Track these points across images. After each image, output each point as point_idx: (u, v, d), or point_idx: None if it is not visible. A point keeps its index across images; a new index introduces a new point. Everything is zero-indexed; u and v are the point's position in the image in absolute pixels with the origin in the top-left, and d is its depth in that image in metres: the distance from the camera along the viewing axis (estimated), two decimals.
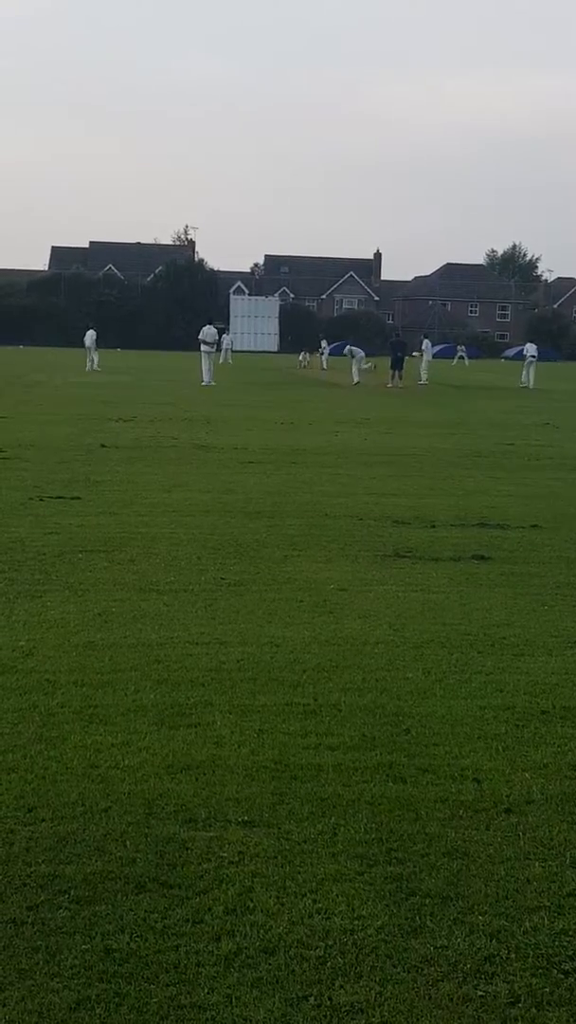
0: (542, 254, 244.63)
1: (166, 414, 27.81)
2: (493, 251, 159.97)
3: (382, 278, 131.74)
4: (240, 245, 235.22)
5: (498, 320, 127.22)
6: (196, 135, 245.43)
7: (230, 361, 65.85)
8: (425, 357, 51.70)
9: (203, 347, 44.38)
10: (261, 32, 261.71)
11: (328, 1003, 3.84)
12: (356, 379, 47.81)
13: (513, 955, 4.13)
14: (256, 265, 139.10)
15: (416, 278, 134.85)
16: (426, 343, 53.39)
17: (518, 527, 12.76)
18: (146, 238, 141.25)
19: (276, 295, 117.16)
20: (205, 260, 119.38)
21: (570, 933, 4.29)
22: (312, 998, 3.86)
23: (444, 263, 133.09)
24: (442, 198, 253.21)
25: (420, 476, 17.31)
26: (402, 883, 4.61)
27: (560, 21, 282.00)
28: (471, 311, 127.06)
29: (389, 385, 46.31)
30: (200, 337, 45.06)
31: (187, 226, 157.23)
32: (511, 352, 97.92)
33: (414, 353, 53.65)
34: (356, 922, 4.31)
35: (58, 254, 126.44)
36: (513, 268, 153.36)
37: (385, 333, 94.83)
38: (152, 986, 3.90)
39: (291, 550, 11.11)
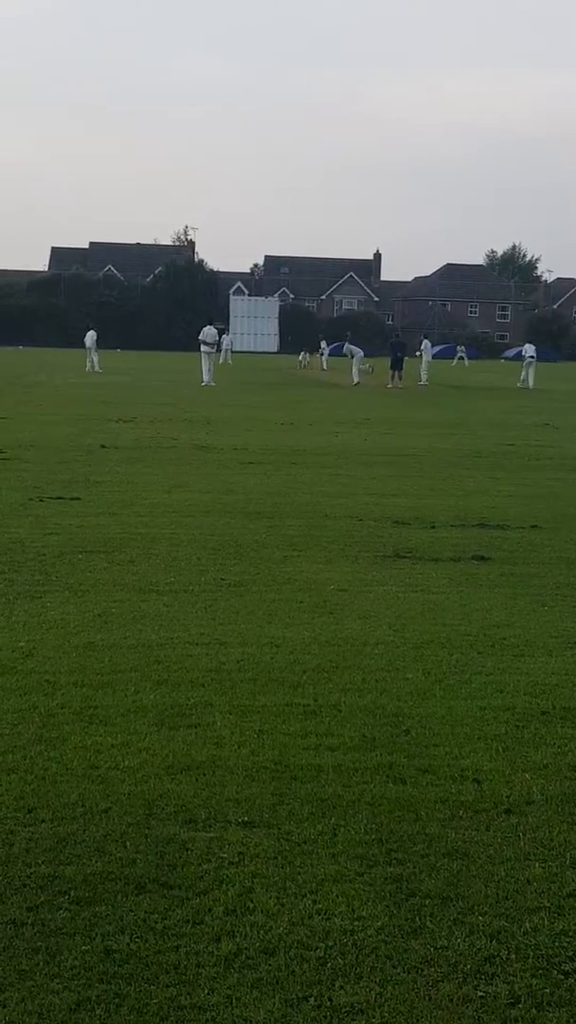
0: (542, 254, 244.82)
1: (166, 415, 27.81)
2: (493, 251, 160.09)
3: (382, 278, 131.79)
4: (240, 245, 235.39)
5: (498, 320, 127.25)
6: (196, 135, 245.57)
7: (230, 362, 65.87)
8: (425, 357, 51.73)
9: (203, 347, 44.43)
10: (261, 32, 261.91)
11: (328, 1004, 3.84)
12: (356, 379, 47.81)
13: (513, 956, 4.13)
14: (256, 265, 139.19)
15: (416, 278, 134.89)
16: (426, 343, 53.43)
17: (518, 527, 12.77)
18: (146, 238, 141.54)
19: (276, 295, 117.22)
20: (205, 260, 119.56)
21: (570, 934, 4.29)
22: (312, 999, 3.86)
23: (444, 263, 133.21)
24: (442, 198, 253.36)
25: (420, 476, 17.31)
26: (402, 884, 4.61)
27: (560, 21, 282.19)
28: (471, 311, 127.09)
29: (389, 386, 46.32)
30: (200, 337, 45.11)
31: (187, 226, 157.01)
32: (511, 352, 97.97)
33: (417, 353, 53.61)
34: (356, 923, 4.31)
35: (58, 254, 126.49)
36: (513, 268, 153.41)
37: (385, 333, 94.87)
38: (152, 987, 3.90)
39: (291, 551, 11.11)
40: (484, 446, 22.38)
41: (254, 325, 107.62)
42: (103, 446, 19.97)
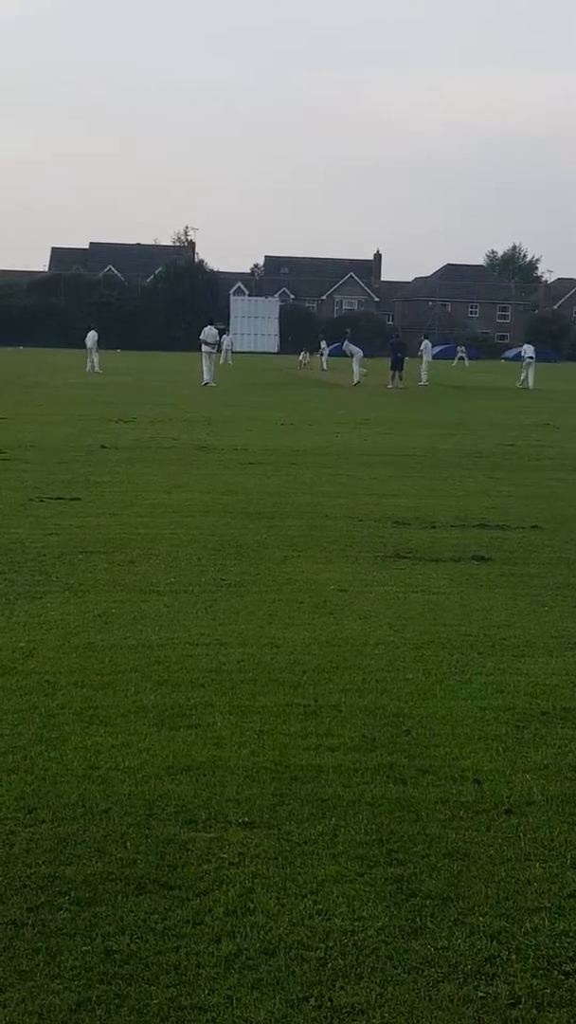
0: (542, 255, 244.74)
1: (166, 415, 27.81)
2: (493, 252, 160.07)
3: (382, 279, 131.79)
4: (240, 246, 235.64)
5: (498, 321, 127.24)
6: (196, 135, 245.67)
7: (230, 362, 65.89)
8: (425, 358, 51.73)
9: (204, 347, 44.46)
10: (261, 32, 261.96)
11: (329, 1004, 3.83)
12: (356, 379, 47.85)
13: (514, 956, 4.13)
14: (256, 266, 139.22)
15: (416, 279, 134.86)
16: (426, 344, 53.42)
17: (518, 528, 12.77)
18: (146, 239, 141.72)
19: (276, 296, 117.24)
20: (205, 261, 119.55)
21: (571, 934, 4.29)
22: (312, 999, 3.86)
23: (444, 264, 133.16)
24: (442, 198, 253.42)
25: (420, 477, 17.31)
26: (402, 884, 4.61)
27: (560, 21, 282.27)
28: (471, 312, 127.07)
29: (389, 386, 46.33)
30: (201, 337, 45.14)
31: (187, 227, 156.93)
32: (511, 353, 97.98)
33: (418, 353, 53.60)
34: (356, 923, 4.31)
35: (58, 255, 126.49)
36: (513, 269, 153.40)
37: (385, 334, 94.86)
38: (153, 987, 3.90)
39: (291, 551, 11.11)
40: (484, 446, 22.38)
41: (254, 325, 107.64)
42: (103, 446, 19.97)
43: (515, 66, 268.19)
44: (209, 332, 45.23)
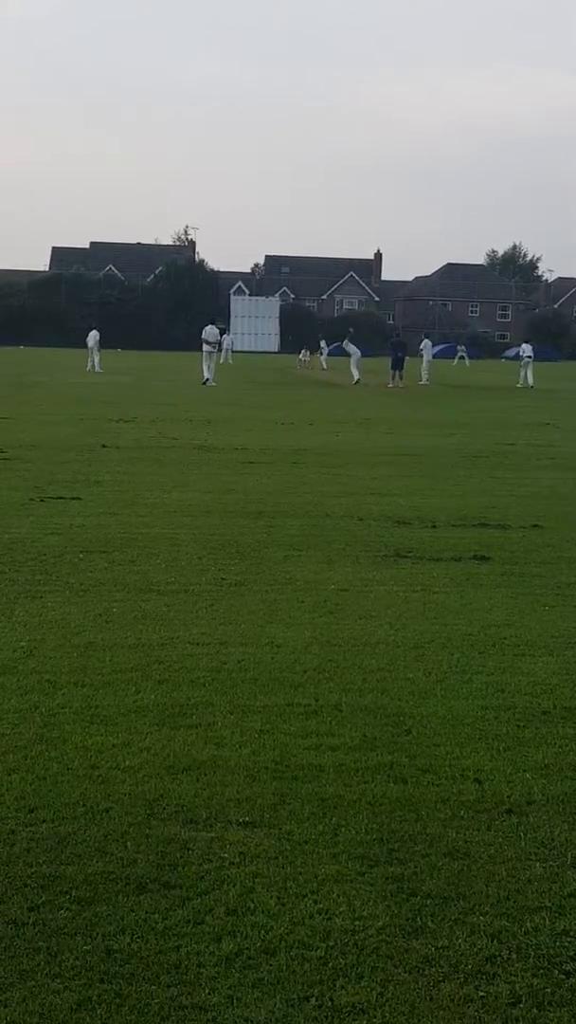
0: (543, 254, 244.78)
1: (167, 414, 27.81)
2: (494, 251, 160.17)
3: (382, 278, 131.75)
4: (240, 245, 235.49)
5: (499, 320, 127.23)
6: (196, 135, 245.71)
7: (230, 361, 65.92)
8: (425, 357, 51.73)
9: (205, 347, 44.50)
10: (261, 32, 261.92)
11: (329, 1004, 3.83)
12: (356, 377, 47.89)
13: (514, 956, 4.13)
14: (256, 265, 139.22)
15: (417, 278, 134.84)
16: (426, 343, 53.41)
17: (519, 527, 12.76)
18: (147, 238, 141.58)
19: (276, 295, 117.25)
20: (205, 260, 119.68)
21: (572, 934, 4.29)
22: (313, 999, 3.86)
23: (445, 263, 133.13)
24: (442, 197, 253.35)
25: (421, 476, 17.31)
26: (403, 883, 4.61)
27: (560, 21, 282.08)
28: (472, 311, 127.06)
29: (390, 385, 46.34)
30: (203, 337, 45.16)
31: (187, 226, 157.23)
32: (511, 352, 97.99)
33: (419, 353, 53.60)
34: (357, 923, 4.31)
35: (59, 254, 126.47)
36: (514, 268, 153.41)
37: (385, 333, 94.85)
38: (153, 987, 3.90)
39: (292, 550, 11.11)
40: (485, 446, 22.37)
41: (255, 325, 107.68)
42: (104, 446, 19.97)
43: (515, 66, 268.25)
44: (210, 331, 45.27)
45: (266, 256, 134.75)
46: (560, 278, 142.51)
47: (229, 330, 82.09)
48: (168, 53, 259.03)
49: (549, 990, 3.94)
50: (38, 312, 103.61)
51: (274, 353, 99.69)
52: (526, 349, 52.42)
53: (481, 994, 3.90)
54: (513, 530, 12.58)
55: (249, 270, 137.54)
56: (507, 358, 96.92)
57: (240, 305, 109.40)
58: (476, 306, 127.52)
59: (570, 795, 5.51)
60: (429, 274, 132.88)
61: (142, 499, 14.12)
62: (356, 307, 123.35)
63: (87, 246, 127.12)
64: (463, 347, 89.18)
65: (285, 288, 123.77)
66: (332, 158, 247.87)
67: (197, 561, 10.50)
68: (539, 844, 4.99)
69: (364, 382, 47.19)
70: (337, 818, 5.18)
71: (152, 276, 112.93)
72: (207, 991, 3.88)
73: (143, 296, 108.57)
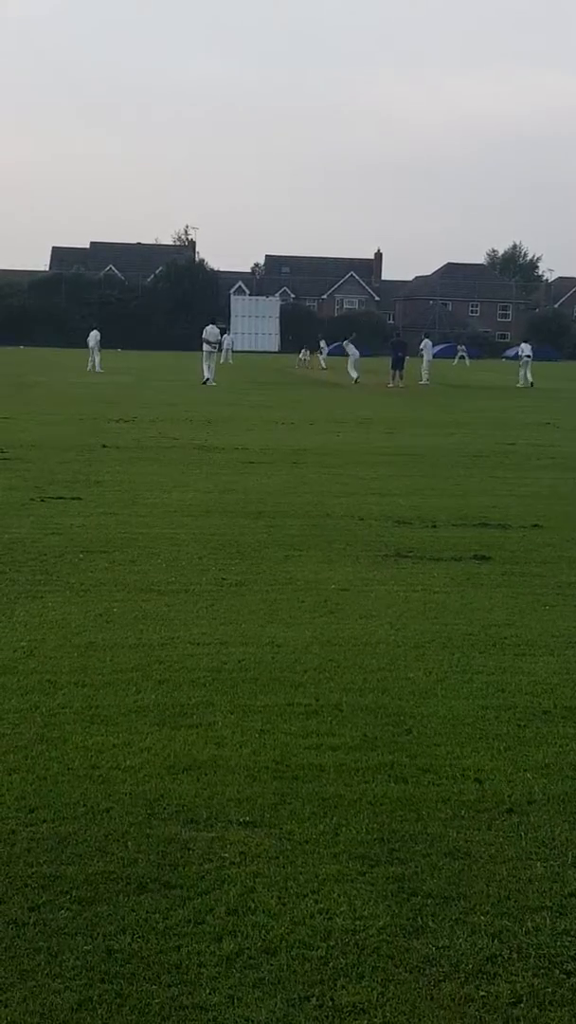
0: (543, 254, 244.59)
1: (167, 414, 27.81)
2: (494, 251, 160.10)
3: (383, 278, 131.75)
4: (240, 245, 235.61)
5: (499, 320, 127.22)
6: (196, 135, 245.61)
7: (231, 361, 65.95)
8: (426, 357, 51.72)
9: (205, 346, 44.52)
10: (261, 32, 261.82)
11: (330, 1003, 3.83)
12: (355, 377, 47.94)
13: (515, 955, 4.13)
14: (257, 265, 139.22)
15: (417, 278, 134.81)
16: (427, 343, 53.40)
17: (519, 527, 12.76)
18: (147, 238, 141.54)
19: (277, 295, 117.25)
20: (206, 260, 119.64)
21: (572, 933, 4.29)
22: (314, 998, 3.86)
23: (445, 263, 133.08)
24: (443, 197, 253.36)
25: (421, 476, 17.31)
26: (404, 883, 4.61)
27: (560, 21, 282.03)
28: (472, 311, 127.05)
29: (390, 385, 46.35)
30: (203, 336, 45.18)
31: (187, 226, 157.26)
32: (511, 352, 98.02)
33: (420, 352, 53.59)
34: (358, 922, 4.31)
35: (59, 254, 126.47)
36: (514, 268, 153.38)
37: (386, 333, 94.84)
38: (154, 987, 3.90)
39: (292, 550, 11.11)
40: (485, 445, 22.37)
41: (255, 324, 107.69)
42: (104, 446, 19.98)
43: (515, 66, 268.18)
44: (211, 331, 45.30)
45: (266, 256, 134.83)
46: (560, 278, 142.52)
47: (229, 330, 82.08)
48: (168, 53, 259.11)
49: (550, 990, 3.94)
50: (38, 312, 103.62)
51: (274, 353, 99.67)
52: (525, 349, 52.43)
53: (482, 994, 3.90)
54: (513, 530, 12.58)
55: (249, 270, 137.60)
56: (507, 358, 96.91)
57: (240, 305, 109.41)
58: (476, 306, 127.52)
59: (571, 795, 5.51)
60: (429, 274, 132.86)
61: (142, 499, 14.12)
62: (356, 307, 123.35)
63: (87, 246, 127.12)
64: (463, 347, 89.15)
65: (285, 288, 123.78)
66: (332, 158, 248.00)
67: (197, 561, 10.50)
68: (540, 844, 4.99)
69: (362, 381, 47.23)
70: (338, 818, 5.18)
71: (152, 276, 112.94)
72: (208, 991, 3.88)
73: (143, 296, 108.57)
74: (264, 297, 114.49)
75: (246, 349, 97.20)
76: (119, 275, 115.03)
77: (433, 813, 5.26)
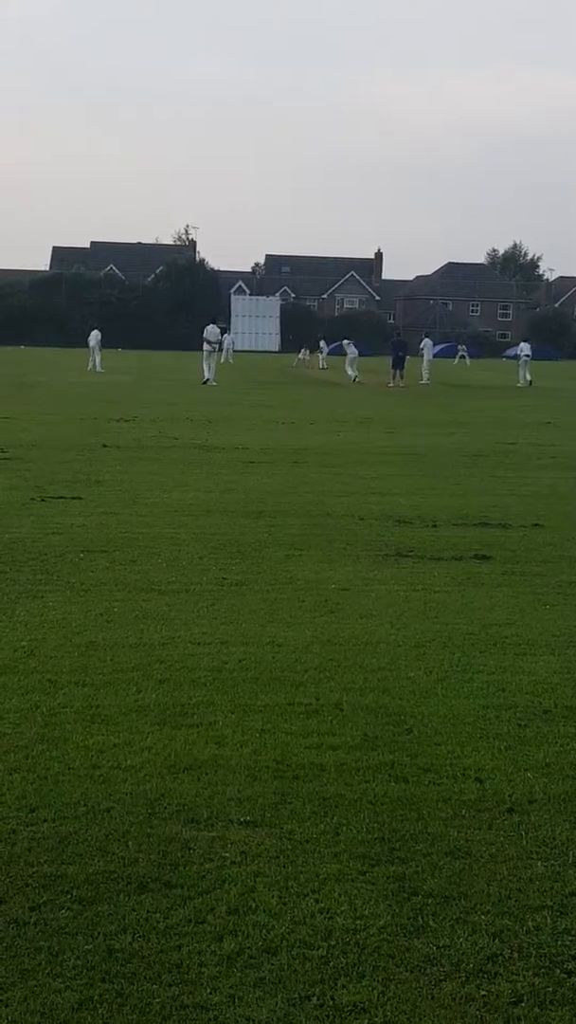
0: (543, 253, 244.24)
1: (167, 414, 27.81)
2: (494, 250, 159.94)
3: (383, 277, 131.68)
4: (241, 245, 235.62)
5: (499, 319, 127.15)
6: (196, 135, 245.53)
7: (231, 360, 65.96)
8: (426, 356, 51.72)
9: (205, 346, 44.52)
10: (261, 32, 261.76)
11: (331, 1003, 3.83)
12: (353, 376, 47.97)
13: (516, 954, 4.13)
14: (257, 265, 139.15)
15: (417, 277, 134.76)
16: (427, 342, 53.39)
17: (520, 526, 12.77)
18: (147, 238, 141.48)
19: (277, 295, 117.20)
20: (206, 260, 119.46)
21: (573, 932, 4.29)
22: (315, 998, 3.86)
23: (445, 262, 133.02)
24: (443, 197, 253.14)
25: (422, 475, 17.31)
26: (404, 883, 4.61)
27: (560, 21, 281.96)
28: (472, 310, 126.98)
29: (391, 385, 46.35)
30: (204, 336, 45.19)
31: (188, 226, 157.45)
32: (511, 352, 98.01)
33: (420, 351, 53.58)
34: (358, 922, 4.31)
35: (59, 254, 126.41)
36: (514, 267, 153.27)
37: (386, 333, 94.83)
38: (155, 986, 3.90)
39: (293, 550, 11.11)
40: (486, 445, 22.37)
41: (255, 324, 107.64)
42: (105, 445, 19.98)
43: (515, 66, 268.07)
44: (211, 331, 45.30)
45: (267, 255, 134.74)
46: (561, 277, 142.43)
47: (230, 329, 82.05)
48: (168, 53, 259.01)
49: (551, 989, 3.94)
50: (39, 312, 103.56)
51: (275, 353, 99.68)
52: (524, 348, 52.44)
53: (483, 993, 3.90)
54: (514, 529, 12.58)
55: (250, 269, 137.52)
56: (508, 357, 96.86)
57: (241, 304, 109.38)
58: (477, 305, 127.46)
59: (571, 794, 5.51)
60: (430, 273, 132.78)
61: (143, 499, 14.12)
62: (357, 306, 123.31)
63: (87, 246, 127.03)
64: (464, 346, 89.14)
65: (286, 287, 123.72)
66: (332, 158, 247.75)
67: (198, 561, 10.50)
68: (540, 843, 4.99)
69: (360, 380, 47.26)
70: (338, 817, 5.18)
71: (153, 276, 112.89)
72: (208, 990, 3.88)
73: (144, 296, 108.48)
74: (264, 297, 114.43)
75: (246, 349, 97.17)
76: (119, 275, 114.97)
77: (434, 812, 5.26)
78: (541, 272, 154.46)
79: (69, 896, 4.45)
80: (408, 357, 49.32)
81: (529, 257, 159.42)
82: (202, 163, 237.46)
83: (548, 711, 6.68)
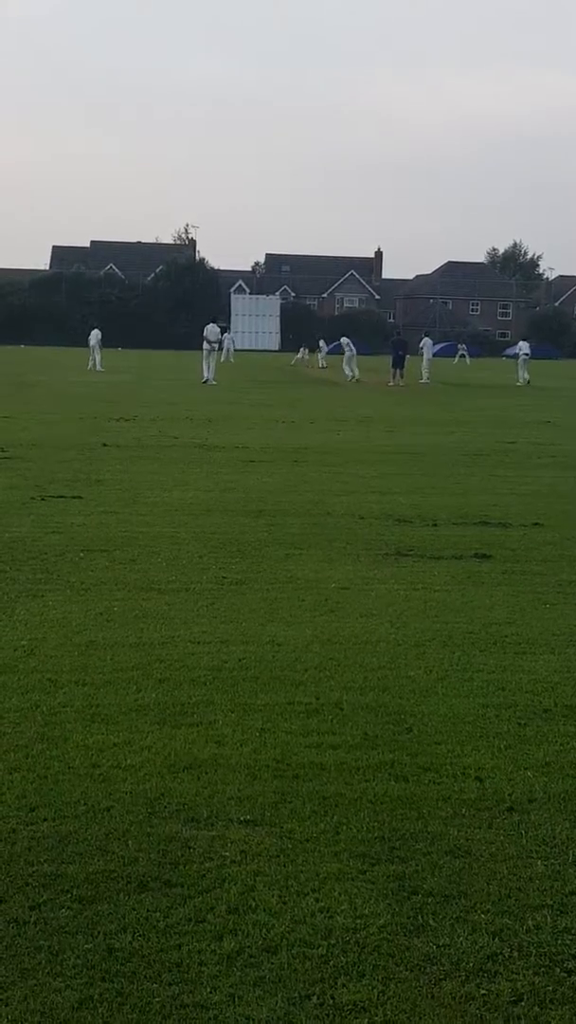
0: (543, 252, 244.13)
1: (167, 413, 27.81)
2: (494, 249, 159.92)
3: (383, 276, 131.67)
4: (241, 244, 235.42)
5: (499, 318, 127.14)
6: (196, 134, 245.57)
7: (232, 360, 65.95)
8: (426, 356, 51.71)
9: (205, 345, 44.51)
10: (261, 32, 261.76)
11: (331, 1002, 3.83)
12: (353, 375, 47.96)
13: (516, 953, 4.13)
14: (257, 264, 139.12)
15: (417, 276, 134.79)
16: (427, 341, 53.38)
17: (520, 525, 12.76)
18: (147, 237, 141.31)
19: (277, 294, 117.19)
20: (206, 259, 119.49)
21: (573, 931, 4.29)
22: (315, 997, 3.86)
23: (445, 261, 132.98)
24: (443, 196, 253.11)
25: (422, 474, 17.31)
26: (404, 882, 4.61)
27: (560, 21, 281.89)
28: (472, 309, 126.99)
29: (391, 384, 46.34)
30: (204, 335, 45.18)
31: (188, 225, 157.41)
32: (511, 351, 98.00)
33: (420, 350, 53.55)
34: (358, 921, 4.31)
35: (59, 253, 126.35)
36: (514, 266, 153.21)
37: (386, 332, 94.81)
38: (155, 985, 3.90)
39: (293, 549, 11.11)
40: (486, 444, 22.37)
41: (255, 323, 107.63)
42: (105, 444, 19.98)
43: (515, 66, 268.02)
44: (211, 330, 45.29)
45: (267, 254, 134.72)
46: (561, 276, 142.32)
47: (230, 328, 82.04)
48: (168, 53, 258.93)
49: (551, 988, 3.94)
50: (39, 311, 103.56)
51: (275, 352, 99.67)
52: (523, 347, 52.43)
53: (483, 992, 3.90)
54: (514, 528, 12.58)
55: (250, 268, 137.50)
56: (508, 356, 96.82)
57: (241, 304, 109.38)
58: (477, 304, 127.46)
59: (571, 793, 5.51)
60: (430, 272, 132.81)
61: (143, 498, 14.12)
62: (357, 305, 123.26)
63: (87, 245, 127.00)
64: (464, 345, 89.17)
65: (286, 286, 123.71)
66: (332, 158, 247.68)
67: (198, 560, 10.50)
68: (540, 842, 4.99)
69: (358, 379, 47.26)
70: (338, 816, 5.18)
71: (153, 275, 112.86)
72: (209, 989, 3.88)
73: (144, 295, 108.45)
74: (264, 296, 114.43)
75: (246, 348, 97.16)
76: (119, 274, 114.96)
77: (434, 811, 5.26)
78: (541, 271, 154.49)
79: (69, 895, 4.45)
80: (408, 356, 49.30)
81: (529, 256, 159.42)
82: (202, 163, 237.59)
83: (548, 710, 6.68)
